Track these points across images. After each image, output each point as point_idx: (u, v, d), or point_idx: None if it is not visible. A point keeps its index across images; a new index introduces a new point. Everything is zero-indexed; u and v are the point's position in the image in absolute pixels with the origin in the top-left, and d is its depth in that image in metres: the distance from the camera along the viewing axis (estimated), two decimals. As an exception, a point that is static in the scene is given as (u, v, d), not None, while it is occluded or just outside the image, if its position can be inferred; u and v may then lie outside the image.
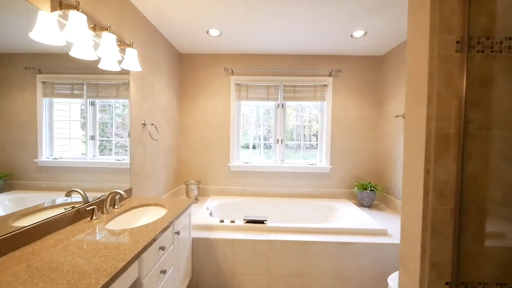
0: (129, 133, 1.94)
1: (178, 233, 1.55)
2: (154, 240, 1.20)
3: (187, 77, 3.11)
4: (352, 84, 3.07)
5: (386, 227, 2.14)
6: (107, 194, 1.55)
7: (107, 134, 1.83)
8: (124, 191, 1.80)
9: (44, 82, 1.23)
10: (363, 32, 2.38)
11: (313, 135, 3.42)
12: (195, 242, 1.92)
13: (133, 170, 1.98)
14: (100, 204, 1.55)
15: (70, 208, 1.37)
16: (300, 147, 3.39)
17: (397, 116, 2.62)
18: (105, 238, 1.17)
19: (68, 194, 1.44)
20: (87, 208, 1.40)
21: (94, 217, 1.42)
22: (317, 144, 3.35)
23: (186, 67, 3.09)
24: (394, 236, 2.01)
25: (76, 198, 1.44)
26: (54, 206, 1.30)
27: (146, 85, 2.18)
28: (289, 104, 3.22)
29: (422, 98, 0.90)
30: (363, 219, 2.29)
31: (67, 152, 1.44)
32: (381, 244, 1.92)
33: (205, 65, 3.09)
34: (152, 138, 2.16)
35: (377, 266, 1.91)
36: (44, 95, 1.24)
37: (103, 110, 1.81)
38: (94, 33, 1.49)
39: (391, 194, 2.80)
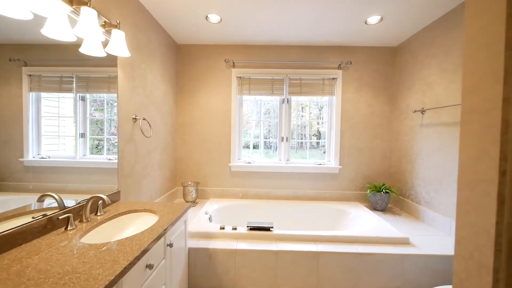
0: (117, 128, 1.71)
1: (171, 245, 1.31)
2: (138, 258, 0.96)
3: (185, 70, 2.87)
4: (363, 77, 2.84)
5: (407, 234, 1.90)
6: (87, 198, 1.31)
7: (105, 133, 1.66)
8: (110, 194, 1.59)
9: (30, 75, 1.13)
10: (379, 17, 2.15)
11: (313, 135, 3.22)
12: (192, 253, 1.69)
13: (122, 170, 1.75)
14: (80, 210, 1.32)
15: (41, 216, 1.14)
16: (301, 146, 3.18)
17: (415, 111, 2.38)
18: (76, 256, 0.93)
19: (41, 199, 1.22)
20: (60, 217, 1.16)
21: (69, 227, 1.18)
22: (317, 143, 3.14)
23: (183, 58, 2.86)
24: (418, 246, 1.78)
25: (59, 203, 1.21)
26: (21, 214, 1.07)
27: (138, 76, 1.95)
28: (293, 100, 2.98)
29: (495, 74, 0.67)
30: (380, 225, 2.05)
31: (56, 151, 1.32)
32: (403, 255, 1.68)
33: (204, 57, 2.85)
34: (144, 135, 1.93)
35: (399, 281, 1.67)
36: (31, 89, 1.14)
37: (101, 110, 1.67)
38: (71, 8, 1.25)
39: (407, 197, 2.56)
